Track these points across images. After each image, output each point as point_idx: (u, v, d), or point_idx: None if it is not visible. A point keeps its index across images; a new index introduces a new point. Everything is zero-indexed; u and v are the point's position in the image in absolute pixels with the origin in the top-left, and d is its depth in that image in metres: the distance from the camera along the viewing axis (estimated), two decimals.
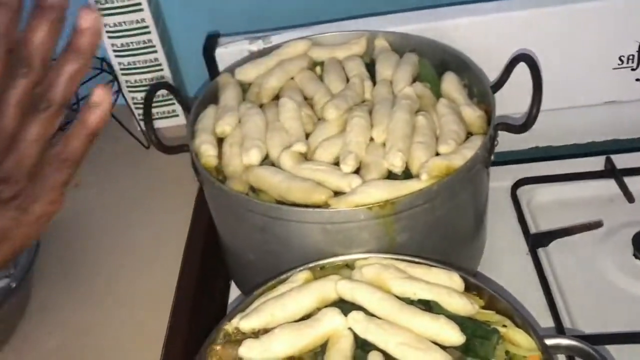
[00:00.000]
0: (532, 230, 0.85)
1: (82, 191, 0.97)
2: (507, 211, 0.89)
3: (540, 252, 0.82)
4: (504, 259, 0.81)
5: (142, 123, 1.04)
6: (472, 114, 0.72)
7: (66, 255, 0.88)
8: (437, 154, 0.67)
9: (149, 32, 0.99)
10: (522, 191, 0.91)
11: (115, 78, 1.02)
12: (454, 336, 0.53)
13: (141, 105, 1.04)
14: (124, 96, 1.04)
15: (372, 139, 0.69)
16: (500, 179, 0.90)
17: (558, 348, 0.55)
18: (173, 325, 0.76)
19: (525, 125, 0.67)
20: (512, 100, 0.78)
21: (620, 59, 0.88)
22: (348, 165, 0.65)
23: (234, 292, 0.83)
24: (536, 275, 0.79)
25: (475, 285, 0.59)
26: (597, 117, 0.95)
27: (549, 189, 0.91)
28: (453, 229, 0.69)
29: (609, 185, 0.89)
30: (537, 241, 0.83)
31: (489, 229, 0.82)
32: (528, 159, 0.96)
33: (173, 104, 1.05)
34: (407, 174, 0.66)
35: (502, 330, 0.55)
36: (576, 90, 0.92)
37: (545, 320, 0.73)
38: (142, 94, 1.04)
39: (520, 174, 0.93)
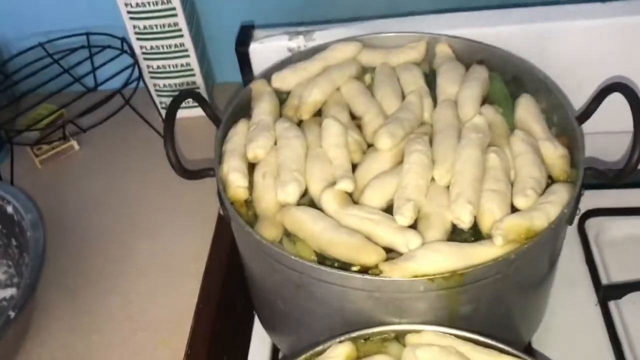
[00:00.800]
0: (603, 278, 0.74)
1: (97, 184, 0.89)
2: (572, 249, 0.77)
3: (612, 305, 0.71)
4: (570, 313, 0.70)
5: (163, 112, 0.95)
6: (554, 153, 0.60)
7: (73, 275, 0.79)
8: (512, 206, 0.56)
9: (175, 15, 0.87)
10: (590, 224, 0.79)
11: (136, 63, 0.92)
12: None
13: (163, 94, 0.96)
14: (144, 83, 0.94)
15: (432, 179, 0.58)
16: None
17: None
18: (190, 357, 0.68)
19: (621, 174, 0.55)
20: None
21: None
22: (404, 217, 0.54)
23: (258, 325, 0.74)
24: (606, 333, 0.69)
25: None
26: None
27: (623, 223, 0.79)
28: (523, 296, 0.58)
29: None
30: (609, 293, 0.72)
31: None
32: (596, 184, 0.84)
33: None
34: (474, 229, 0.55)
35: None
36: None
37: None
38: (165, 81, 0.95)
39: (589, 204, 0.80)
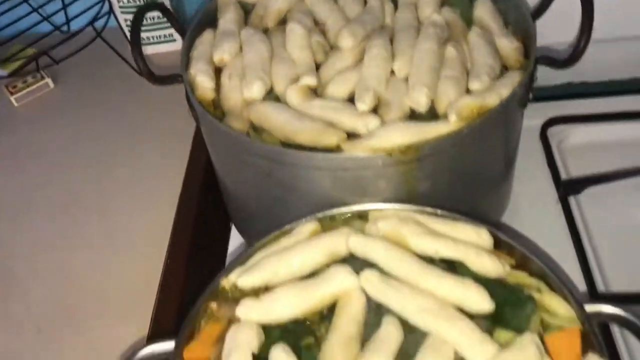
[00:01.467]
0: (563, 176, 0.77)
1: (73, 119, 0.91)
2: (535, 154, 0.80)
3: (572, 200, 0.75)
4: (531, 209, 0.74)
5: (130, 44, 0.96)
6: (509, 46, 0.63)
7: (55, 192, 0.81)
8: (468, 91, 0.58)
9: None
10: (552, 132, 0.83)
11: None
12: (482, 303, 0.46)
13: None
14: (116, 18, 0.95)
15: (392, 73, 0.60)
16: (528, 118, 0.81)
17: (598, 315, 0.48)
18: (168, 269, 0.71)
19: (570, 59, 0.58)
20: (552, 29, 0.69)
21: None
22: (365, 103, 0.56)
23: (235, 232, 0.77)
24: (566, 227, 0.72)
25: (505, 243, 0.52)
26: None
27: (583, 130, 0.82)
28: (480, 176, 0.61)
29: None
30: (568, 188, 0.75)
31: (515, 174, 0.74)
32: (560, 96, 0.87)
33: (169, 27, 0.96)
34: (432, 114, 0.57)
35: (536, 296, 0.48)
36: (620, 19, 0.81)
37: (575, 278, 0.66)
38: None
39: (551, 113, 0.84)
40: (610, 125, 0.82)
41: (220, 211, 0.77)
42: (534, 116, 0.83)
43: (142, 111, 0.91)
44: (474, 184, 0.61)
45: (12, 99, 0.94)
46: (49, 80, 0.96)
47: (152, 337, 0.62)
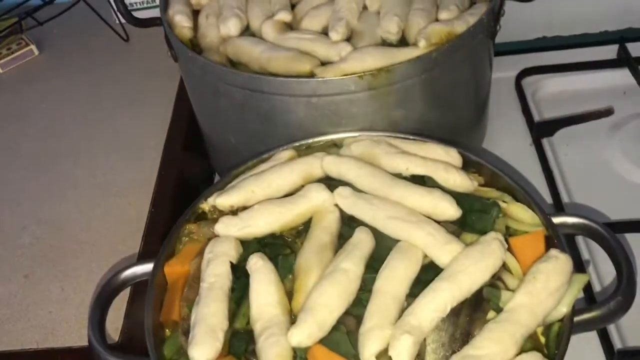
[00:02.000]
0: (537, 119, 0.79)
1: (57, 84, 0.92)
2: (510, 102, 0.83)
3: (545, 142, 0.77)
4: (506, 151, 0.76)
5: (120, 15, 0.97)
6: None
7: (44, 146, 0.82)
8: (437, 22, 0.60)
9: None
10: (527, 82, 0.85)
11: None
12: (450, 209, 0.48)
13: None
14: None
15: (365, 9, 0.62)
16: (504, 70, 0.84)
17: (564, 226, 0.50)
18: (153, 214, 0.72)
19: None
20: None
21: None
22: (338, 33, 0.58)
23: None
24: (539, 166, 0.74)
25: (475, 162, 0.54)
26: (611, 3, 0.87)
27: (556, 80, 0.85)
28: (453, 109, 0.63)
29: (623, 75, 0.82)
30: (541, 130, 0.77)
31: (491, 121, 0.76)
32: (534, 49, 0.89)
33: None
34: (403, 44, 0.59)
35: (502, 205, 0.50)
36: None
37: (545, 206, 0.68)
38: None
39: (526, 64, 0.86)
40: (582, 74, 0.84)
41: (204, 165, 0.79)
42: (510, 68, 0.85)
43: (125, 76, 0.92)
44: (446, 116, 0.63)
45: None
46: (33, 47, 0.97)
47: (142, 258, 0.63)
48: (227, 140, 0.66)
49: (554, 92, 0.84)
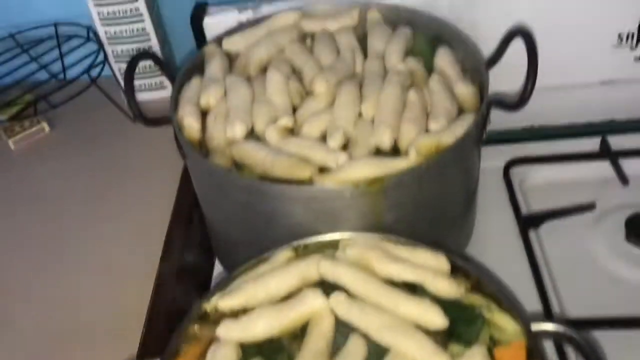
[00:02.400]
0: (524, 211, 0.83)
1: (66, 161, 0.96)
2: (499, 192, 0.87)
3: (531, 233, 0.81)
4: (494, 240, 0.80)
5: (124, 89, 1.02)
6: (465, 91, 0.70)
7: (46, 227, 0.86)
8: (427, 131, 0.65)
9: (136, 0, 0.95)
10: (514, 172, 0.89)
11: (102, 48, 0.99)
12: (437, 320, 0.51)
13: None
14: (110, 67, 1.01)
15: (360, 115, 0.67)
16: (493, 159, 0.88)
17: (544, 334, 0.53)
18: (156, 300, 0.75)
19: (519, 102, 0.65)
20: (508, 77, 0.75)
21: (619, 36, 0.86)
22: (335, 141, 0.63)
23: (218, 269, 0.82)
24: (526, 258, 0.78)
25: (461, 268, 0.57)
26: (594, 96, 0.93)
27: (542, 170, 0.89)
28: (442, 209, 0.67)
29: (604, 167, 0.87)
30: (528, 222, 0.81)
31: (480, 210, 0.80)
32: (521, 138, 0.94)
33: (160, 75, 1.03)
34: (395, 151, 0.64)
35: (487, 314, 0.53)
36: (573, 67, 0.89)
37: (533, 304, 0.72)
38: None
39: (513, 154, 0.91)
40: (567, 165, 0.89)
41: (205, 246, 0.82)
42: (498, 157, 0.90)
43: (132, 153, 0.96)
44: (437, 216, 0.67)
45: (10, 142, 1.00)
46: (44, 125, 1.02)
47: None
48: (230, 233, 0.70)
49: (540, 182, 0.89)
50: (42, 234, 0.85)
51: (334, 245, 0.61)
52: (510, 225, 0.82)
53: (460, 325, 0.51)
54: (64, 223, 0.86)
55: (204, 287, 0.80)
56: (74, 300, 0.76)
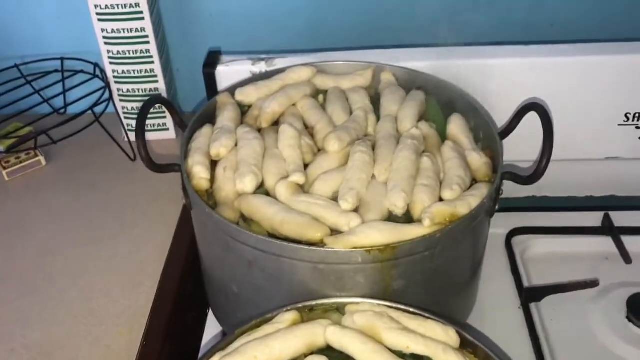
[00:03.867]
0: (526, 283, 0.82)
1: (60, 197, 0.94)
2: (500, 260, 0.86)
3: (533, 307, 0.80)
4: (496, 311, 0.78)
5: (130, 134, 1.01)
6: (479, 160, 0.70)
7: (31, 262, 0.83)
8: (440, 199, 0.64)
9: (147, 42, 0.96)
10: (516, 241, 0.89)
11: (107, 85, 0.99)
12: None
13: (131, 116, 1.02)
14: (114, 105, 1.01)
15: (373, 177, 0.66)
16: (495, 227, 0.87)
17: None
18: (144, 351, 0.72)
19: (532, 177, 0.65)
20: (518, 147, 0.76)
21: (626, 116, 0.88)
22: (348, 203, 0.62)
23: (211, 321, 0.79)
24: (527, 331, 0.77)
25: (470, 342, 0.56)
26: (598, 171, 0.94)
27: (544, 241, 0.89)
28: (450, 278, 0.66)
29: (606, 243, 0.87)
30: (530, 296, 0.80)
31: (483, 280, 0.79)
32: (523, 207, 0.94)
33: (164, 117, 1.02)
34: (407, 217, 0.63)
35: None
36: (580, 143, 0.90)
37: None
38: (133, 104, 1.01)
39: (516, 223, 0.90)
40: (569, 238, 0.88)
41: (198, 300, 0.80)
42: (501, 225, 0.89)
43: (128, 194, 0.95)
44: (443, 286, 0.66)
45: (4, 173, 0.97)
46: (41, 158, 1.00)
47: None
48: (230, 288, 0.68)
49: (542, 253, 0.88)
50: (26, 268, 0.82)
51: (340, 309, 0.59)
52: (511, 297, 0.81)
53: None
54: (51, 261, 0.83)
55: (194, 345, 0.77)
56: (56, 343, 0.73)
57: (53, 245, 0.86)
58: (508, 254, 0.87)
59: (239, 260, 0.63)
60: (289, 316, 0.58)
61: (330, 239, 0.59)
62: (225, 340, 0.56)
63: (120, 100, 1.02)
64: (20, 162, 0.99)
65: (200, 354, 0.59)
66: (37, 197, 0.95)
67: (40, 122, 0.98)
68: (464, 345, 0.56)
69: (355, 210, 0.62)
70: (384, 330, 0.55)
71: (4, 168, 0.98)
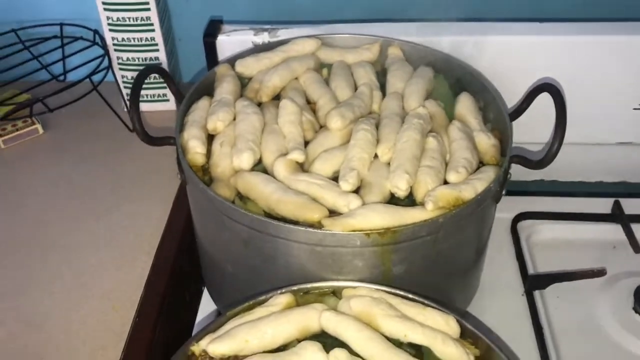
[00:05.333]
0: (530, 270, 0.80)
1: (56, 166, 0.91)
2: (505, 245, 0.84)
3: (536, 294, 0.77)
4: (498, 298, 0.76)
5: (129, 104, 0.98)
6: (486, 142, 0.67)
7: (35, 234, 0.81)
8: (445, 182, 0.61)
9: (148, 9, 0.92)
10: (522, 226, 0.86)
11: (107, 53, 0.96)
12: None
13: (130, 85, 0.99)
14: (113, 73, 0.98)
15: (375, 156, 0.64)
16: (499, 210, 0.84)
17: None
18: (138, 324, 0.71)
19: (543, 161, 0.62)
20: (528, 129, 0.73)
21: None
22: (348, 183, 0.59)
23: (206, 298, 0.77)
24: (530, 319, 0.74)
25: (471, 332, 0.54)
26: (610, 157, 0.91)
27: (551, 227, 0.86)
28: (452, 264, 0.63)
29: (615, 231, 0.84)
30: (534, 283, 0.78)
31: (486, 264, 0.77)
32: (531, 191, 0.91)
33: (164, 87, 0.99)
34: (410, 199, 0.60)
35: None
36: (592, 126, 0.87)
37: None
38: (133, 73, 0.98)
39: (522, 207, 0.88)
40: (576, 224, 0.86)
41: (193, 277, 0.78)
42: (507, 209, 0.86)
43: (126, 166, 0.92)
44: (445, 272, 0.63)
45: (0, 140, 0.95)
46: (38, 126, 0.97)
47: None
48: (224, 267, 0.66)
49: (548, 239, 0.86)
50: (20, 239, 0.80)
51: (336, 293, 0.57)
52: (515, 283, 0.79)
53: None
54: (44, 232, 0.81)
55: (188, 323, 0.75)
56: (47, 313, 0.72)
57: (47, 216, 0.84)
58: (513, 239, 0.84)
59: (234, 239, 0.60)
60: (283, 299, 0.55)
61: (328, 220, 0.56)
62: (216, 322, 0.54)
63: (120, 69, 0.99)
64: (17, 130, 0.97)
65: (193, 333, 0.57)
66: (33, 166, 0.93)
67: (38, 89, 0.95)
68: (465, 335, 0.54)
69: (356, 191, 0.60)
70: (381, 317, 0.52)
71: (0, 136, 0.95)
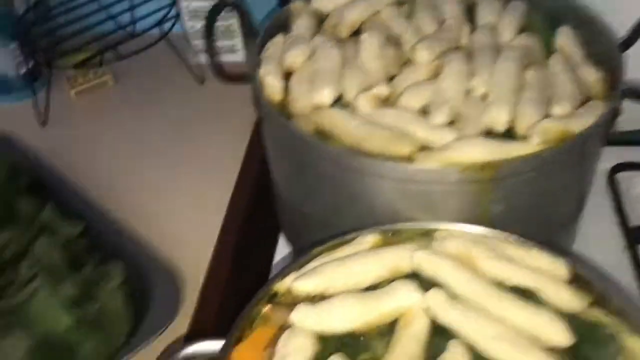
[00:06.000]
0: (632, 223, 0.73)
1: (127, 117, 0.90)
2: (601, 197, 0.77)
3: (639, 248, 0.70)
4: (596, 254, 0.69)
5: (198, 55, 0.96)
6: (592, 76, 0.60)
7: (95, 182, 0.80)
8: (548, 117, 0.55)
9: None
10: (622, 177, 0.79)
11: (175, 2, 0.93)
12: (561, 336, 0.42)
13: (200, 35, 0.97)
14: (182, 23, 0.95)
15: (470, 91, 0.58)
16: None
17: None
18: (212, 273, 0.69)
19: None
20: (636, 64, 0.66)
21: None
22: (441, 116, 0.54)
23: (282, 246, 0.74)
24: (632, 276, 0.68)
25: (582, 278, 0.48)
26: None
27: None
28: (554, 208, 0.58)
29: None
30: (637, 237, 0.71)
31: (582, 217, 0.70)
32: (633, 141, 0.83)
33: (232, 37, 0.96)
34: (509, 136, 0.55)
35: (620, 340, 0.44)
36: None
37: None
38: (202, 23, 0.96)
39: (621, 157, 0.80)
40: None
41: (269, 221, 0.75)
42: (604, 159, 0.78)
43: (195, 116, 0.91)
44: (545, 217, 0.58)
45: (72, 92, 0.95)
46: (109, 78, 0.97)
47: (190, 338, 0.59)
48: (301, 208, 0.62)
49: None
50: (93, 188, 0.79)
51: (428, 235, 0.52)
52: (614, 238, 0.72)
53: (587, 346, 0.42)
54: (116, 182, 0.80)
55: (265, 266, 0.73)
56: None
57: (121, 166, 0.83)
58: (611, 190, 0.77)
59: (314, 177, 0.57)
60: (370, 239, 0.51)
61: (421, 154, 0.51)
62: (299, 260, 0.51)
63: (189, 19, 0.96)
64: (88, 82, 0.96)
65: (272, 275, 0.54)
66: (105, 118, 0.93)
67: (107, 39, 0.94)
68: (575, 281, 0.49)
69: (449, 125, 0.55)
70: (481, 259, 0.48)
71: (72, 87, 0.95)
